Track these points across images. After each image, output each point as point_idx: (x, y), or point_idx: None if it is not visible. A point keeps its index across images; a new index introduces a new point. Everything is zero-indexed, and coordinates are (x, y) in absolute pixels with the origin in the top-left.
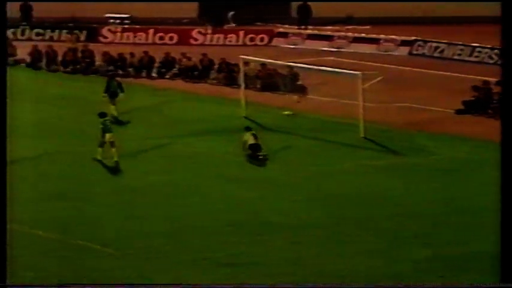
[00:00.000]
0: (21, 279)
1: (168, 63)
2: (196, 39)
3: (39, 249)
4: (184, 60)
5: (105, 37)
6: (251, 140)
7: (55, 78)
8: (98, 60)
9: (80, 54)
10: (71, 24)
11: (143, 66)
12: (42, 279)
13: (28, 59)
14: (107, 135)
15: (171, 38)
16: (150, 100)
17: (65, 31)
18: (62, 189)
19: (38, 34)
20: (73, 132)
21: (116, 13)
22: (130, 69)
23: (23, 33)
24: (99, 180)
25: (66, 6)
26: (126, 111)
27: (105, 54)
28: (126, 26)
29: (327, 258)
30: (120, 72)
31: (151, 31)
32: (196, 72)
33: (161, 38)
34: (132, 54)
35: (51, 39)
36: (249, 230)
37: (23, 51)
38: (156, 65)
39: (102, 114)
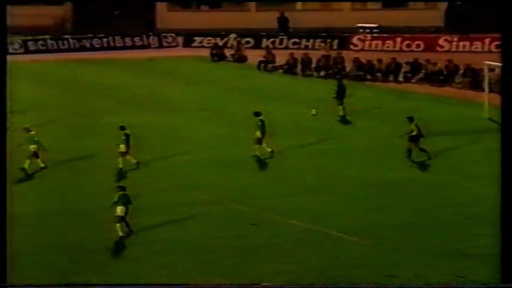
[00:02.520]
0: (276, 266)
1: (414, 68)
2: (442, 46)
3: (290, 237)
4: (429, 65)
5: (355, 45)
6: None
7: (310, 82)
8: (348, 66)
9: (332, 61)
10: (324, 34)
11: (390, 71)
12: (296, 264)
13: (285, 65)
14: (257, 133)
15: (417, 46)
16: (396, 102)
17: (318, 40)
18: (307, 181)
19: (294, 43)
20: (318, 130)
21: (365, 23)
22: (378, 74)
23: (281, 43)
24: (344, 174)
25: (320, 17)
26: (373, 113)
27: (355, 61)
28: (375, 35)
29: None
30: (369, 76)
31: (398, 39)
32: (441, 77)
33: (408, 46)
34: (379, 61)
35: (306, 47)
36: (490, 223)
37: (281, 58)
38: (403, 70)
39: (257, 114)
